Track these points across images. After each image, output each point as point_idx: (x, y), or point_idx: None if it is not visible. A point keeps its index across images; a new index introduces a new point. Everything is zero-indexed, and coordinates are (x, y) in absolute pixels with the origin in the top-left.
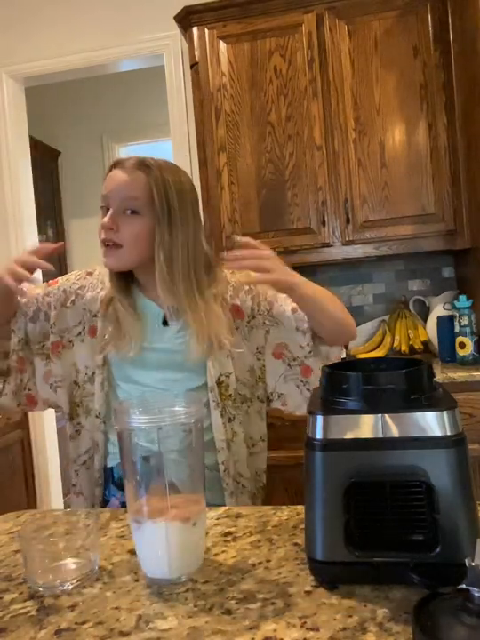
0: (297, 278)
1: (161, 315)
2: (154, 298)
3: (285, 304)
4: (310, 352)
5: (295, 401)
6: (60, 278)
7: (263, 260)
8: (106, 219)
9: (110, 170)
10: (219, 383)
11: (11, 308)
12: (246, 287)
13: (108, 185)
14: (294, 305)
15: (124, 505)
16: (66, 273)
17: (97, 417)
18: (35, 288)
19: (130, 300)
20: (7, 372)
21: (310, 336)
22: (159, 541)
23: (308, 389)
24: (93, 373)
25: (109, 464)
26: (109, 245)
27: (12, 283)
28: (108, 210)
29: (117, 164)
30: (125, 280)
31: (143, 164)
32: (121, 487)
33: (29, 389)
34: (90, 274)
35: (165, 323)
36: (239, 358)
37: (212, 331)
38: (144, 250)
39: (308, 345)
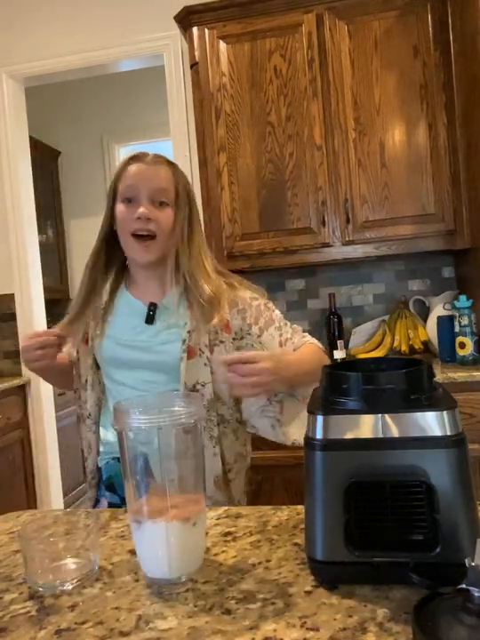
0: (284, 372)
1: (144, 312)
2: (139, 295)
3: (275, 335)
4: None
5: (268, 436)
6: None
7: (253, 378)
8: (142, 209)
9: (128, 164)
10: (193, 390)
11: (66, 374)
12: (240, 305)
13: (135, 177)
14: (282, 338)
15: (111, 505)
16: (66, 273)
17: (88, 417)
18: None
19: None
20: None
21: None
22: (159, 541)
23: (282, 430)
24: (86, 380)
25: (99, 464)
26: (143, 236)
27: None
28: (129, 201)
29: (136, 159)
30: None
31: (165, 160)
32: (109, 488)
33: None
34: None
35: (150, 321)
36: (218, 372)
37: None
38: (169, 241)
39: None
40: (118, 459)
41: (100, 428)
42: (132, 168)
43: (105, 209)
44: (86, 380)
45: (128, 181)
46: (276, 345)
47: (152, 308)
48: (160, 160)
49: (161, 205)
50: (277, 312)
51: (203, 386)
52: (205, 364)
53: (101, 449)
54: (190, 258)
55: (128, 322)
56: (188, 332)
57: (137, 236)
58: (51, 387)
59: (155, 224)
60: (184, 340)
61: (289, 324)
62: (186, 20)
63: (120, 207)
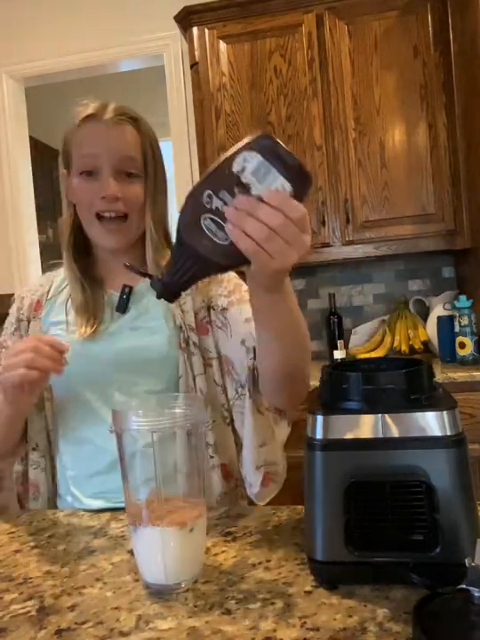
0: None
1: (113, 302)
2: (108, 285)
3: (244, 310)
4: (244, 384)
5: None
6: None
7: (273, 240)
8: (108, 187)
9: (82, 123)
10: (187, 389)
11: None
12: (219, 277)
13: (95, 144)
14: (248, 316)
15: None
16: None
17: (34, 450)
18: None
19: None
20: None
21: (253, 361)
22: (155, 547)
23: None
24: None
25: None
26: (111, 218)
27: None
28: (89, 174)
29: (93, 117)
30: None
31: (129, 116)
32: None
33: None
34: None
35: (122, 308)
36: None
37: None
38: (142, 219)
39: (249, 367)
40: None
41: (57, 462)
42: (89, 130)
43: (63, 181)
44: None
45: (85, 148)
46: (243, 319)
47: (126, 291)
48: (123, 116)
49: (129, 177)
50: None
51: (194, 379)
52: (194, 354)
53: (62, 490)
54: (159, 231)
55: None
56: (182, 318)
57: (103, 218)
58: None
59: (123, 202)
60: (180, 327)
61: None
62: (186, 20)
63: (77, 182)
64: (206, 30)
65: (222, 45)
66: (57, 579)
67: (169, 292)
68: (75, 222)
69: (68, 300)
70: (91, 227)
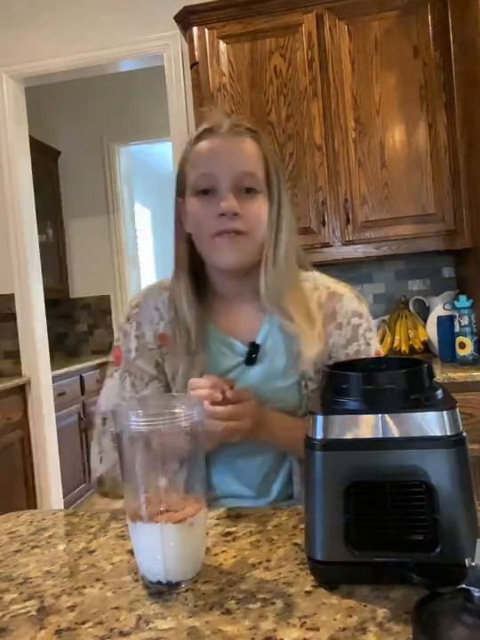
0: (251, 424)
1: (243, 351)
2: (228, 329)
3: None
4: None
5: None
6: (119, 346)
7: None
8: (226, 203)
9: (198, 140)
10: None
11: None
12: (338, 319)
13: (211, 159)
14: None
15: None
16: (66, 273)
17: None
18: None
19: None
20: None
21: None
22: (154, 544)
23: None
24: None
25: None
26: (229, 234)
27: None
28: (205, 193)
29: (209, 132)
30: (199, 302)
31: (247, 127)
32: None
33: None
34: (136, 306)
35: (250, 361)
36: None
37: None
38: (262, 241)
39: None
40: None
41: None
42: (204, 146)
43: (172, 206)
44: None
45: (202, 167)
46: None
47: (254, 348)
48: (241, 128)
49: (248, 193)
50: (373, 335)
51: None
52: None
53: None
54: (275, 266)
55: (218, 362)
56: (303, 375)
57: (220, 236)
58: (51, 386)
59: (243, 221)
60: (304, 385)
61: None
62: (186, 19)
63: (193, 202)
64: (206, 30)
65: (222, 45)
66: (57, 579)
67: None
68: (191, 259)
69: None
70: (210, 249)
